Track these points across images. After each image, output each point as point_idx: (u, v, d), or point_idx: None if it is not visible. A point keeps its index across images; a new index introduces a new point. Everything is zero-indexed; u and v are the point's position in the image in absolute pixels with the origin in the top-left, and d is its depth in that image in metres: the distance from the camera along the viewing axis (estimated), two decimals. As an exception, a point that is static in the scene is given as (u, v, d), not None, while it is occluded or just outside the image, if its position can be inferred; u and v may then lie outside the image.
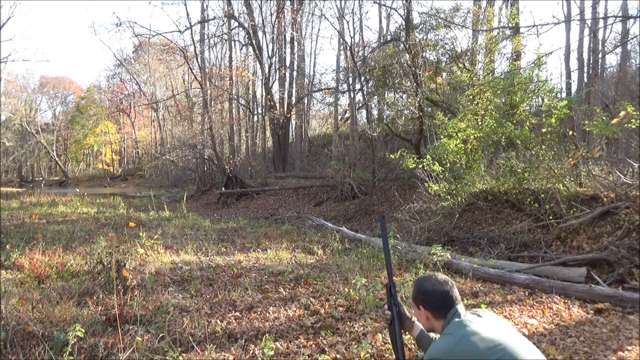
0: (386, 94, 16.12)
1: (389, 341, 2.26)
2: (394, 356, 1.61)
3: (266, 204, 15.71)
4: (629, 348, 3.22)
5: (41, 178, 47.28)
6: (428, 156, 8.50)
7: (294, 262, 6.16)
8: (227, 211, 14.97)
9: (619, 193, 5.90)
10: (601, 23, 13.57)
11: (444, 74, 15.36)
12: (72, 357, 2.88)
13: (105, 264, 4.92)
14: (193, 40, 19.32)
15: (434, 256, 5.60)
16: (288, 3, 21.22)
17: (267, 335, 3.36)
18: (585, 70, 16.07)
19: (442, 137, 9.19)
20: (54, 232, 8.42)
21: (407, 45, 12.38)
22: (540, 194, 6.83)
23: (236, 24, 19.61)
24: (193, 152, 20.52)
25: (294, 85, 24.82)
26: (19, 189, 30.98)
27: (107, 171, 45.98)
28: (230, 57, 21.48)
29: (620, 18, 11.05)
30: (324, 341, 3.35)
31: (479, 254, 6.35)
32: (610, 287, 4.48)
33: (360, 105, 17.13)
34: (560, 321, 3.78)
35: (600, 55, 16.69)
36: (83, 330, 3.04)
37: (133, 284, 4.37)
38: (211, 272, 5.42)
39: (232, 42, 22.10)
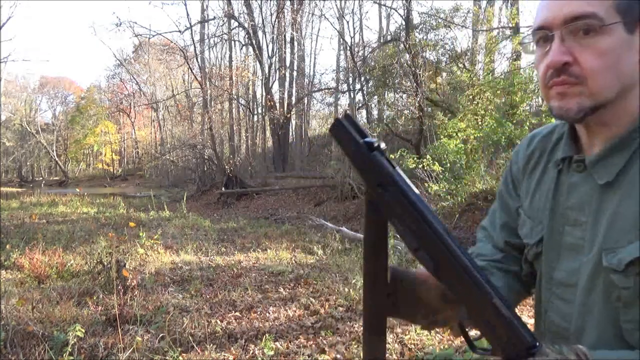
0: (386, 94, 16.13)
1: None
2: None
3: (266, 204, 15.70)
4: (629, 348, 3.22)
5: (41, 178, 47.24)
6: (428, 156, 8.50)
7: (294, 262, 6.16)
8: (227, 211, 14.96)
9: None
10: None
11: (444, 74, 15.36)
12: (72, 357, 2.88)
13: (105, 264, 4.92)
14: (193, 40, 19.34)
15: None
16: (288, 3, 21.22)
17: (267, 335, 3.36)
18: (585, 70, 16.07)
19: (442, 137, 9.19)
20: (54, 232, 8.42)
21: (407, 45, 12.38)
22: (540, 194, 6.82)
23: (236, 24, 19.63)
24: (193, 152, 20.51)
25: (294, 85, 24.82)
26: (19, 189, 30.95)
27: (107, 171, 45.94)
28: (230, 57, 21.52)
29: (620, 18, 11.04)
30: (324, 341, 3.35)
31: (479, 254, 6.34)
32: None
33: (360, 105, 17.13)
34: (560, 321, 3.78)
35: (600, 55, 16.69)
36: (83, 330, 3.04)
37: (133, 284, 4.37)
38: (211, 272, 5.42)
39: (232, 42, 22.13)
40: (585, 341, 0.70)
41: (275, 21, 20.95)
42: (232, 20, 19.37)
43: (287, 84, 24.37)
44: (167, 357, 3.02)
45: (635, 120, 0.68)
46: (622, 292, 0.66)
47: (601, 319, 0.69)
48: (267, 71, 20.62)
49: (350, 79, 17.24)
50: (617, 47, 0.64)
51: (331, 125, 0.60)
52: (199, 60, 20.82)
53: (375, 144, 0.59)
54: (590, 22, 0.64)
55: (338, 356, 3.10)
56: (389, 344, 3.25)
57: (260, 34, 21.34)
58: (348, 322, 3.72)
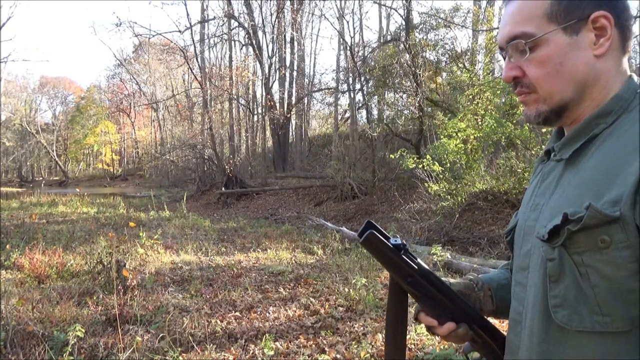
0: (386, 94, 16.13)
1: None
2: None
3: (266, 204, 15.70)
4: (629, 348, 3.22)
5: (41, 178, 47.23)
6: (428, 156, 8.50)
7: (294, 262, 6.16)
8: (227, 211, 14.96)
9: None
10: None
11: (444, 74, 15.37)
12: (72, 357, 2.88)
13: (105, 264, 4.92)
14: (193, 40, 19.34)
15: (434, 256, 5.60)
16: (288, 3, 21.21)
17: (267, 335, 3.36)
18: (585, 70, 16.07)
19: (442, 137, 9.18)
20: (54, 232, 8.42)
21: (407, 45, 12.38)
22: (540, 194, 6.82)
23: (236, 24, 19.62)
24: (193, 152, 20.52)
25: (294, 85, 24.80)
26: (19, 189, 30.95)
27: (107, 171, 45.95)
28: (230, 57, 21.49)
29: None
30: (324, 341, 3.35)
31: (479, 254, 6.35)
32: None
33: (360, 105, 17.12)
34: (560, 321, 3.78)
35: (600, 55, 16.69)
36: (83, 330, 3.04)
37: (133, 284, 4.37)
38: (211, 272, 5.42)
39: (232, 42, 22.10)
40: (526, 324, 0.73)
41: (275, 21, 20.95)
42: (232, 20, 19.36)
43: (287, 84, 24.35)
44: (167, 357, 3.02)
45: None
46: (548, 264, 0.66)
47: (535, 298, 0.69)
48: (267, 71, 20.62)
49: (350, 79, 17.20)
50: (557, 53, 0.68)
51: (364, 239, 0.76)
52: (199, 60, 20.83)
53: (402, 246, 0.78)
54: (520, 41, 0.70)
55: (338, 356, 3.10)
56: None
57: (260, 34, 21.36)
58: (348, 322, 3.72)
